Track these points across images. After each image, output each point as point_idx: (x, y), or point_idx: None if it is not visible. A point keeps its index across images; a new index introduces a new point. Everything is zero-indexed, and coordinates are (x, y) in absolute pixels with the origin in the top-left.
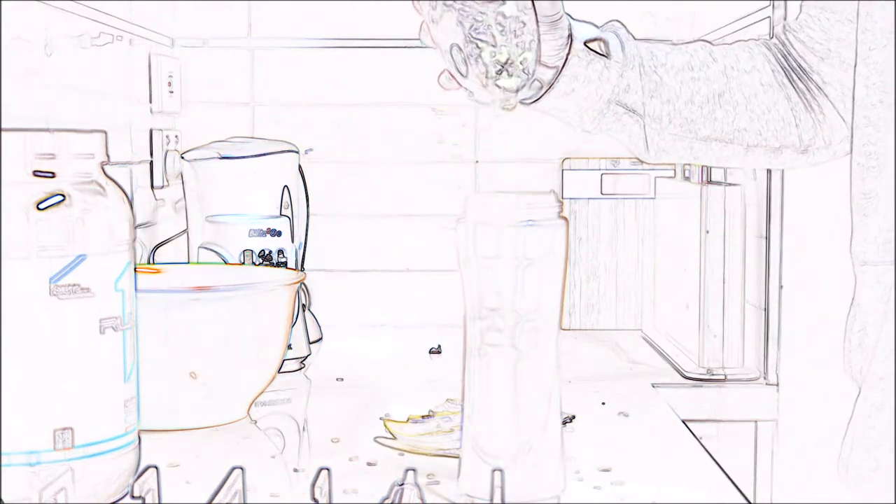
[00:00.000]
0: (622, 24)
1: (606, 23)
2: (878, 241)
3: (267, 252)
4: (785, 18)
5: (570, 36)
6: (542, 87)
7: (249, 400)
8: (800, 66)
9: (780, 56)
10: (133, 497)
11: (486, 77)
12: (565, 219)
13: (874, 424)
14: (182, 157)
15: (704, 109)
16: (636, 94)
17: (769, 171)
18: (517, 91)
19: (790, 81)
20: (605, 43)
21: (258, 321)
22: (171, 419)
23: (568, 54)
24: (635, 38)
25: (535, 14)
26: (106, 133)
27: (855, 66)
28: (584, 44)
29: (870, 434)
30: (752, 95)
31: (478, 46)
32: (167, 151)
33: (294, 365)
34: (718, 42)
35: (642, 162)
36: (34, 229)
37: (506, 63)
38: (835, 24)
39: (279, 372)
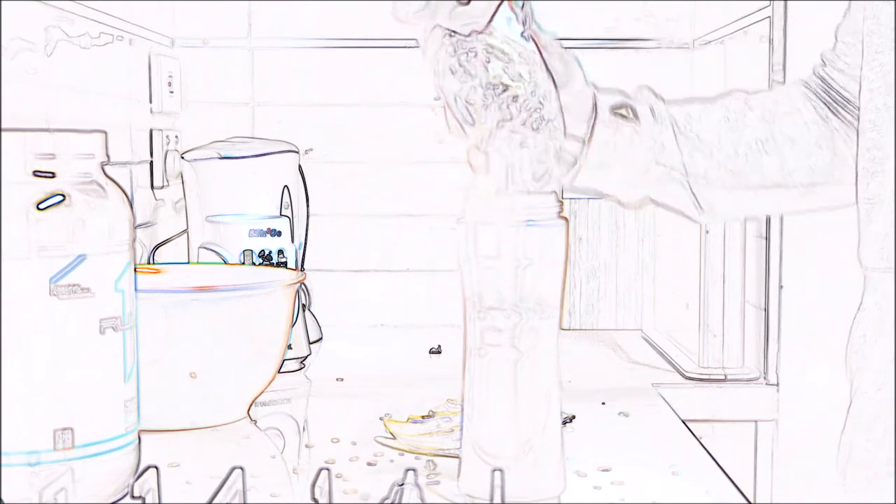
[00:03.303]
0: (651, 89)
1: (635, 89)
2: (876, 247)
3: (267, 252)
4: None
5: (595, 106)
6: (574, 163)
7: (249, 400)
8: (842, 97)
9: (820, 91)
10: (133, 497)
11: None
12: (565, 219)
13: (871, 437)
14: (182, 157)
15: (749, 158)
16: (674, 153)
17: None
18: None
19: (835, 114)
20: (632, 108)
21: (258, 321)
22: (171, 419)
23: (594, 123)
24: (665, 101)
25: (555, 87)
26: (106, 133)
27: (861, 68)
28: (612, 111)
29: (867, 446)
30: (796, 136)
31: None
32: (167, 151)
33: (294, 365)
34: (754, 91)
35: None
36: (34, 229)
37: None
38: None
39: (279, 372)
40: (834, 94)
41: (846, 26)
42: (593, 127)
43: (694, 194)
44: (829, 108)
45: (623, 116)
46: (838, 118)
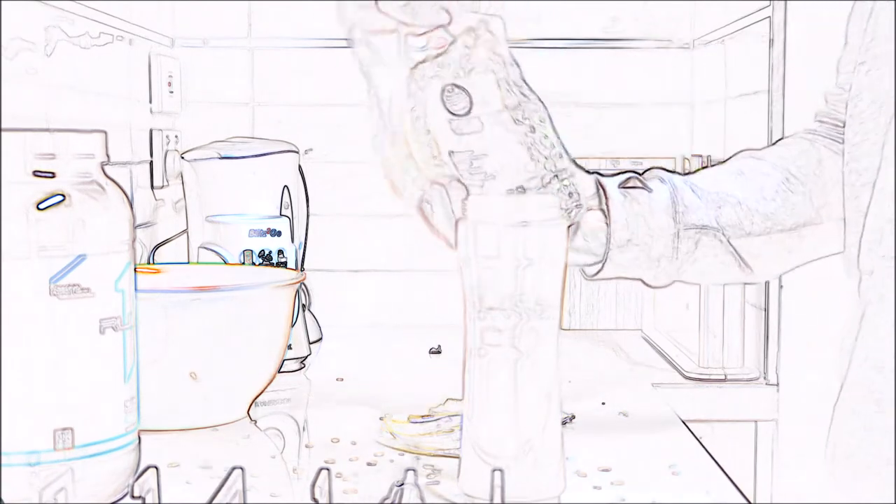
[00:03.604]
0: (660, 167)
1: (645, 171)
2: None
3: (267, 252)
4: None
5: (600, 186)
6: (603, 253)
7: (249, 400)
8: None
9: (829, 128)
10: (133, 497)
11: None
12: (565, 219)
13: (852, 430)
14: (182, 157)
15: (778, 199)
16: (700, 209)
17: None
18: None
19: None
20: (640, 180)
21: (258, 321)
22: (171, 419)
23: (607, 203)
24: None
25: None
26: (106, 133)
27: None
28: (620, 187)
29: (849, 441)
30: (815, 171)
31: None
32: (167, 151)
33: (294, 365)
34: (759, 148)
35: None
36: (34, 229)
37: None
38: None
39: (280, 372)
40: (842, 127)
41: (846, 58)
42: (608, 207)
43: (734, 248)
44: (836, 141)
45: (633, 187)
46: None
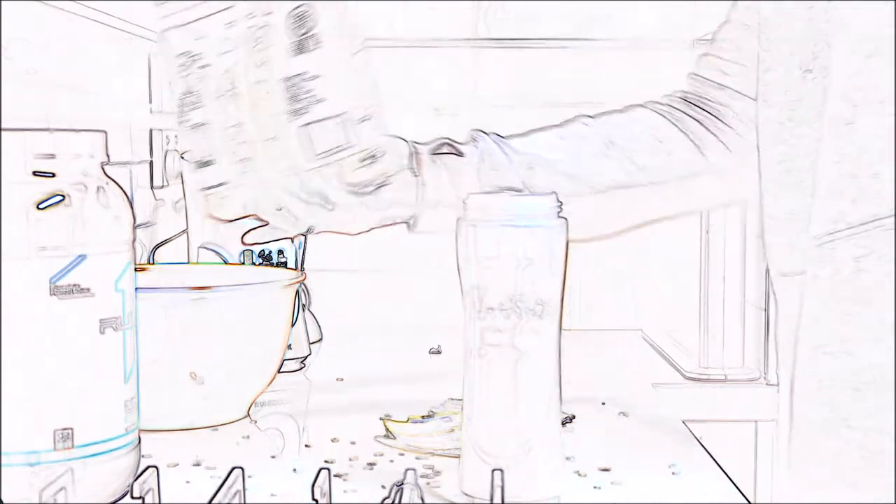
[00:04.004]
0: (479, 129)
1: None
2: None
3: (267, 252)
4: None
5: (414, 152)
6: (416, 212)
7: (249, 400)
8: (699, 97)
9: (672, 102)
10: (133, 497)
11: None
12: (565, 219)
13: (781, 421)
14: (182, 157)
15: (594, 161)
16: (508, 170)
17: None
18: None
19: (686, 115)
20: (451, 145)
21: (258, 321)
22: (171, 419)
23: (418, 163)
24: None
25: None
26: (106, 133)
27: (756, 83)
28: (430, 153)
29: (809, 429)
30: (640, 135)
31: None
32: (167, 151)
33: (294, 365)
34: (599, 113)
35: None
36: (34, 229)
37: None
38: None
39: (279, 372)
40: (695, 99)
41: (725, 33)
42: (421, 173)
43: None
44: (680, 110)
45: (445, 153)
46: (690, 117)
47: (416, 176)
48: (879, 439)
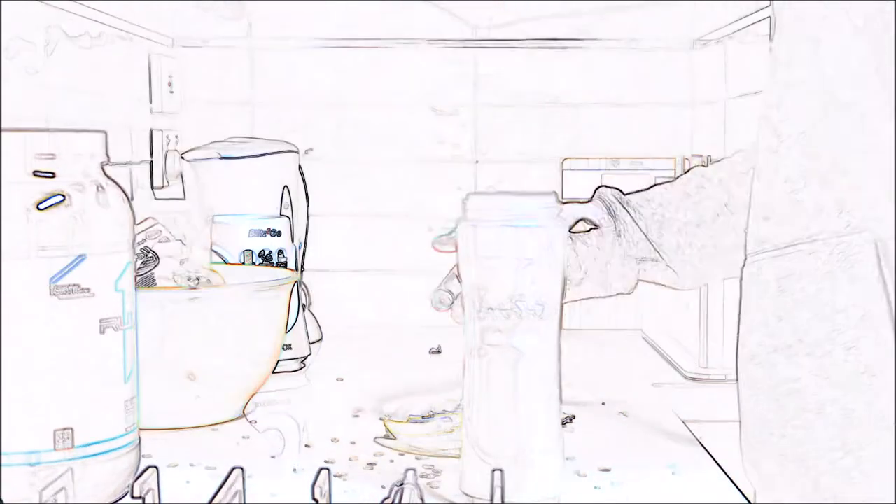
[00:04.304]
0: (608, 187)
1: (595, 191)
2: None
3: (267, 252)
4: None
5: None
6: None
7: (245, 398)
8: None
9: None
10: (133, 497)
11: None
12: (565, 219)
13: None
14: (182, 157)
15: (718, 221)
16: (643, 243)
17: None
18: None
19: None
20: (588, 220)
21: (254, 320)
22: (168, 418)
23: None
24: (624, 193)
25: None
26: (106, 133)
27: None
28: (569, 230)
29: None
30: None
31: None
32: (167, 151)
33: (294, 365)
34: (714, 162)
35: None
36: (34, 229)
37: None
38: None
39: (279, 372)
40: None
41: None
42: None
43: (674, 270)
44: None
45: (581, 231)
46: None
47: None
48: (795, 449)
